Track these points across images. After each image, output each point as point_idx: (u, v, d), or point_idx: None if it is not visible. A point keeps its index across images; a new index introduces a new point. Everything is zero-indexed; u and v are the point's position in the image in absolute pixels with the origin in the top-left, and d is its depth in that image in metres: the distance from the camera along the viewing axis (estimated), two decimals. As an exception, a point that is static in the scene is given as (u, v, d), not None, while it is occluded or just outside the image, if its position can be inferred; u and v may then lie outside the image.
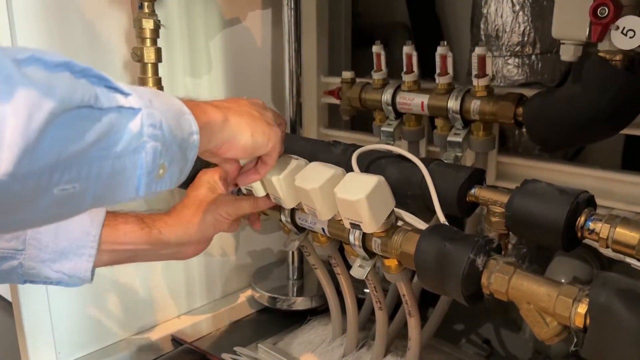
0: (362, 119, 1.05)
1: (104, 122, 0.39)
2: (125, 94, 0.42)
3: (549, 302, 0.55)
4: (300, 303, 1.05)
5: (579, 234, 0.60)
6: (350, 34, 1.23)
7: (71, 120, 0.37)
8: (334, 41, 1.15)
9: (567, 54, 0.69)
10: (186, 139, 0.47)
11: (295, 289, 1.07)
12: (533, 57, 0.97)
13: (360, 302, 0.94)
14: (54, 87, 0.36)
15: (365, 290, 1.00)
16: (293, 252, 1.09)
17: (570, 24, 0.67)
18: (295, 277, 1.09)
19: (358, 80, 0.97)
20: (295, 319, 1.04)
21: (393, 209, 0.67)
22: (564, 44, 0.70)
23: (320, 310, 1.05)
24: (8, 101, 0.33)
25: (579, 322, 0.52)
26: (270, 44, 1.08)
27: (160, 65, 0.76)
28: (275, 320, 1.05)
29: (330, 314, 0.95)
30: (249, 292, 1.11)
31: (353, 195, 0.62)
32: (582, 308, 0.52)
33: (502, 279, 0.57)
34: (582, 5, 0.65)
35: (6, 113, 0.33)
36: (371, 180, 0.63)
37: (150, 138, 0.42)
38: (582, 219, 0.59)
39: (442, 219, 0.66)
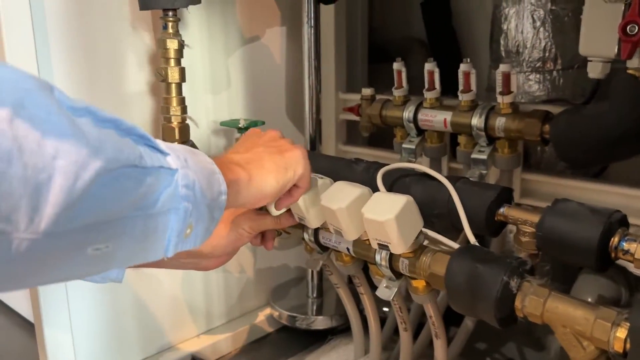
0: (379, 135, 1.04)
1: (145, 183, 0.39)
2: (164, 154, 0.42)
3: (586, 325, 0.53)
4: (320, 322, 1.03)
5: (613, 255, 0.59)
6: (367, 50, 1.23)
7: (115, 180, 0.36)
8: (350, 57, 1.15)
9: (595, 71, 0.68)
10: (215, 199, 0.47)
11: (314, 308, 1.06)
12: (554, 73, 0.96)
13: (380, 322, 0.92)
14: (103, 144, 0.35)
15: (385, 309, 0.99)
16: (312, 270, 1.08)
17: (598, 41, 0.66)
18: (314, 296, 1.08)
19: (378, 97, 0.97)
20: (315, 339, 1.02)
21: (421, 229, 0.66)
22: (591, 61, 0.69)
23: (340, 330, 1.04)
24: (57, 158, 0.32)
25: (618, 347, 0.51)
26: (288, 61, 1.08)
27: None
28: (295, 340, 1.04)
29: (350, 334, 0.94)
30: (267, 311, 1.10)
31: (382, 216, 0.61)
32: (622, 332, 0.51)
33: (537, 302, 0.56)
34: (610, 22, 0.64)
35: (54, 171, 0.32)
36: (400, 200, 0.62)
37: (183, 199, 0.42)
38: (615, 240, 0.58)
39: (472, 239, 0.65)
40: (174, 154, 0.42)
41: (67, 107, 0.35)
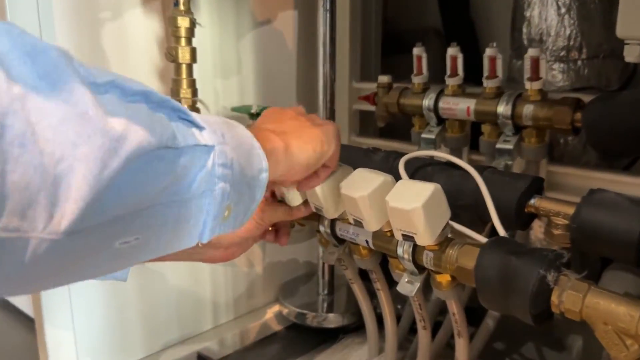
0: (390, 126, 1.00)
1: (179, 165, 0.34)
2: (200, 128, 0.37)
3: (631, 322, 0.49)
4: (332, 320, 0.99)
5: (654, 249, 0.55)
6: (381, 39, 1.19)
7: (145, 164, 0.31)
8: (364, 47, 1.11)
9: (632, 54, 0.64)
10: (255, 177, 0.43)
11: (325, 305, 1.02)
12: (579, 62, 0.92)
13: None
14: (131, 125, 0.30)
15: (398, 306, 0.95)
16: (323, 265, 1.03)
17: (638, 23, 0.62)
18: (325, 292, 1.04)
19: (395, 85, 0.93)
20: (325, 337, 0.98)
21: (448, 220, 0.62)
22: (628, 44, 0.65)
23: (352, 328, 1.00)
24: (79, 144, 0.27)
25: (667, 346, 0.47)
26: (302, 47, 1.04)
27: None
28: (305, 338, 1.00)
29: (362, 332, 0.90)
30: (276, 308, 1.06)
31: (408, 204, 0.57)
32: (672, 331, 0.47)
33: (576, 297, 0.52)
34: (652, 2, 0.61)
35: (75, 160, 0.27)
36: (427, 188, 0.58)
37: (219, 179, 0.37)
38: (657, 232, 0.55)
39: (501, 231, 0.62)
40: (210, 128, 0.37)
41: (90, 83, 0.30)
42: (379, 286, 0.79)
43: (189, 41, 0.69)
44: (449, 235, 0.64)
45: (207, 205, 0.37)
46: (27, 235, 0.27)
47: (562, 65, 0.93)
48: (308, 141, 0.52)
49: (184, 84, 0.69)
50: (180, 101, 0.69)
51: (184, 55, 0.68)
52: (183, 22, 0.67)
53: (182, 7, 0.67)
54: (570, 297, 0.52)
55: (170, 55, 0.68)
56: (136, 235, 0.33)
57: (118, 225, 0.31)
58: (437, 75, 0.90)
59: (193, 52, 0.69)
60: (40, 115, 0.26)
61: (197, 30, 0.72)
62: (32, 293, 0.34)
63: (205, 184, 0.37)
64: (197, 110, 0.71)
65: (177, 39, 0.68)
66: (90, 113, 0.28)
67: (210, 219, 0.38)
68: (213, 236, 0.40)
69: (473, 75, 0.85)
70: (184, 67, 0.69)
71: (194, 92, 0.70)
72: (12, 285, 0.30)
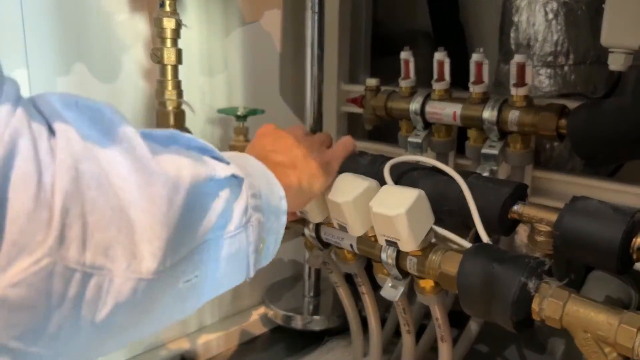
0: (379, 129, 1.00)
1: (220, 196, 0.36)
2: (226, 162, 0.38)
3: (609, 331, 0.50)
4: (317, 322, 0.99)
5: (635, 256, 0.56)
6: (370, 41, 1.19)
7: (197, 200, 0.33)
8: (353, 49, 1.11)
9: (617, 63, 0.65)
10: (278, 205, 0.44)
11: (311, 307, 1.02)
12: (566, 67, 0.92)
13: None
14: (180, 164, 0.33)
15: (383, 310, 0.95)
16: (309, 268, 1.03)
17: (623, 32, 0.63)
18: (311, 295, 1.04)
19: (382, 88, 0.93)
20: (311, 340, 0.98)
21: (432, 226, 0.62)
22: (612, 52, 0.65)
23: (337, 331, 1.00)
24: (145, 188, 0.30)
25: (645, 355, 0.47)
26: (290, 48, 1.04)
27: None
28: (290, 341, 1.00)
29: (347, 335, 0.90)
30: (262, 310, 1.06)
31: (391, 210, 0.57)
32: (649, 339, 0.47)
33: (556, 305, 0.52)
34: (635, 12, 0.61)
35: (145, 202, 0.29)
36: (411, 194, 0.58)
37: (253, 210, 0.39)
38: (638, 240, 0.55)
39: (484, 237, 0.62)
40: (234, 163, 0.39)
41: (140, 135, 0.33)
42: (364, 290, 0.79)
43: (174, 42, 0.68)
44: (433, 241, 0.64)
45: (249, 237, 0.39)
46: (112, 275, 0.28)
47: (549, 70, 0.93)
48: (316, 175, 0.55)
49: (169, 85, 0.69)
50: (165, 103, 0.69)
51: (169, 56, 0.67)
52: (169, 24, 0.67)
53: (167, 9, 0.67)
54: (551, 304, 0.53)
55: (156, 57, 0.67)
56: (195, 272, 0.34)
57: (183, 263, 0.33)
58: (426, 77, 0.90)
59: (179, 53, 0.69)
60: (109, 164, 0.29)
61: (183, 30, 0.71)
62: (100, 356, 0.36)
63: (244, 216, 0.38)
64: (183, 112, 0.71)
65: (163, 40, 0.67)
66: (147, 158, 0.31)
67: (252, 251, 0.40)
68: (255, 271, 0.41)
69: (462, 78, 0.85)
70: (169, 68, 0.68)
71: (179, 94, 0.70)
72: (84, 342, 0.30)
